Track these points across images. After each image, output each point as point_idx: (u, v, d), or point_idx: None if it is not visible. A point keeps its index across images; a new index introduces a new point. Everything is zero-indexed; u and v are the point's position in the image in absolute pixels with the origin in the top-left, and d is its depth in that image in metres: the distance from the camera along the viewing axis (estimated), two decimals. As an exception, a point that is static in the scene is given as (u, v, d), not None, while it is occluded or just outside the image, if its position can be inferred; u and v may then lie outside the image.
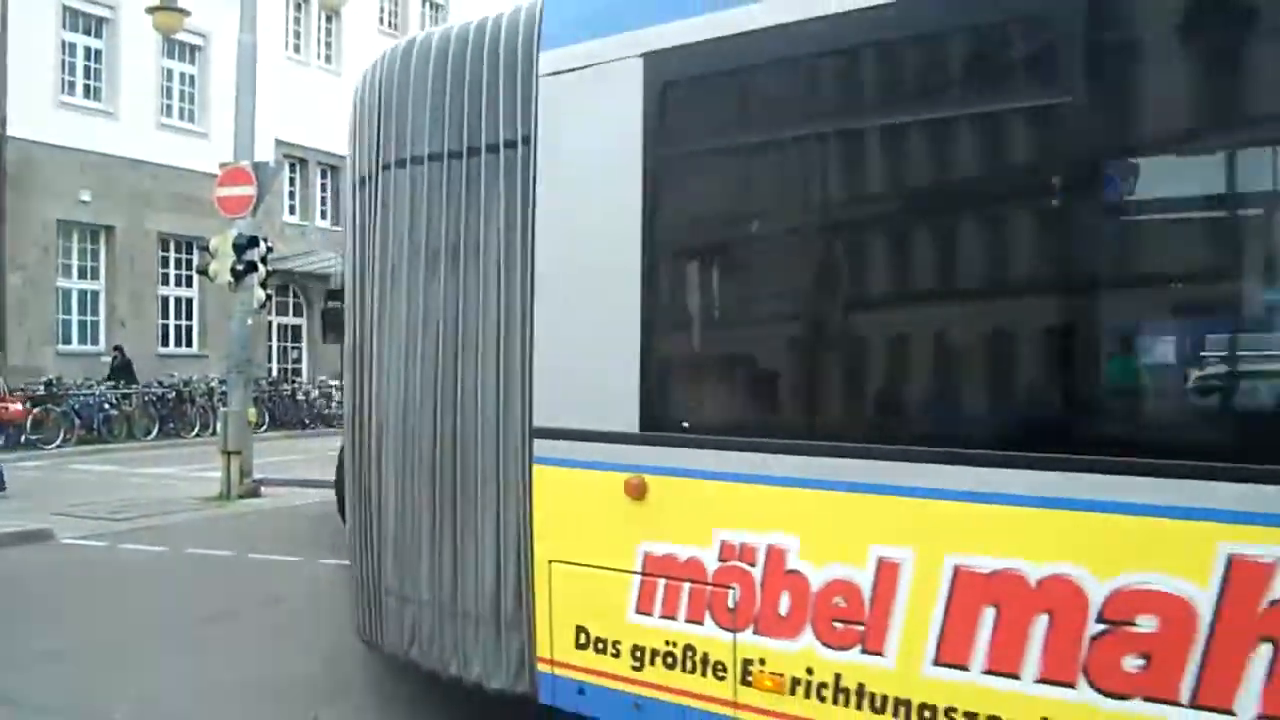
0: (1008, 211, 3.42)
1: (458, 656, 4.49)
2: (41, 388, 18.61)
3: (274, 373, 24.89)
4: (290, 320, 26.21)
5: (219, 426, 13.42)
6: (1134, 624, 2.93)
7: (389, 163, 4.74)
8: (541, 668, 4.19)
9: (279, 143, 23.23)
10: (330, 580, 7.68)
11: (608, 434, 3.94)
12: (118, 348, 21.04)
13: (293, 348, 26.44)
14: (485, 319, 4.35)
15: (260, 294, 12.82)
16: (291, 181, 25.83)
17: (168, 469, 15.43)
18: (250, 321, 13.20)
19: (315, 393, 23.81)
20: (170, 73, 23.31)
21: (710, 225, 3.96)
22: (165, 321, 23.36)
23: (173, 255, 23.35)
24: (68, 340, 21.40)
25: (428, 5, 30.16)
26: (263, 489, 12.90)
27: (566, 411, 4.07)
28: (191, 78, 23.69)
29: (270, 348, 25.40)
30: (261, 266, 12.65)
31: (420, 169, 4.59)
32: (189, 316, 23.82)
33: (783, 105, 3.72)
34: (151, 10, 15.76)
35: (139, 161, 21.93)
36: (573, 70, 4.07)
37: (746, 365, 3.94)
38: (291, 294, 25.85)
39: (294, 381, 24.73)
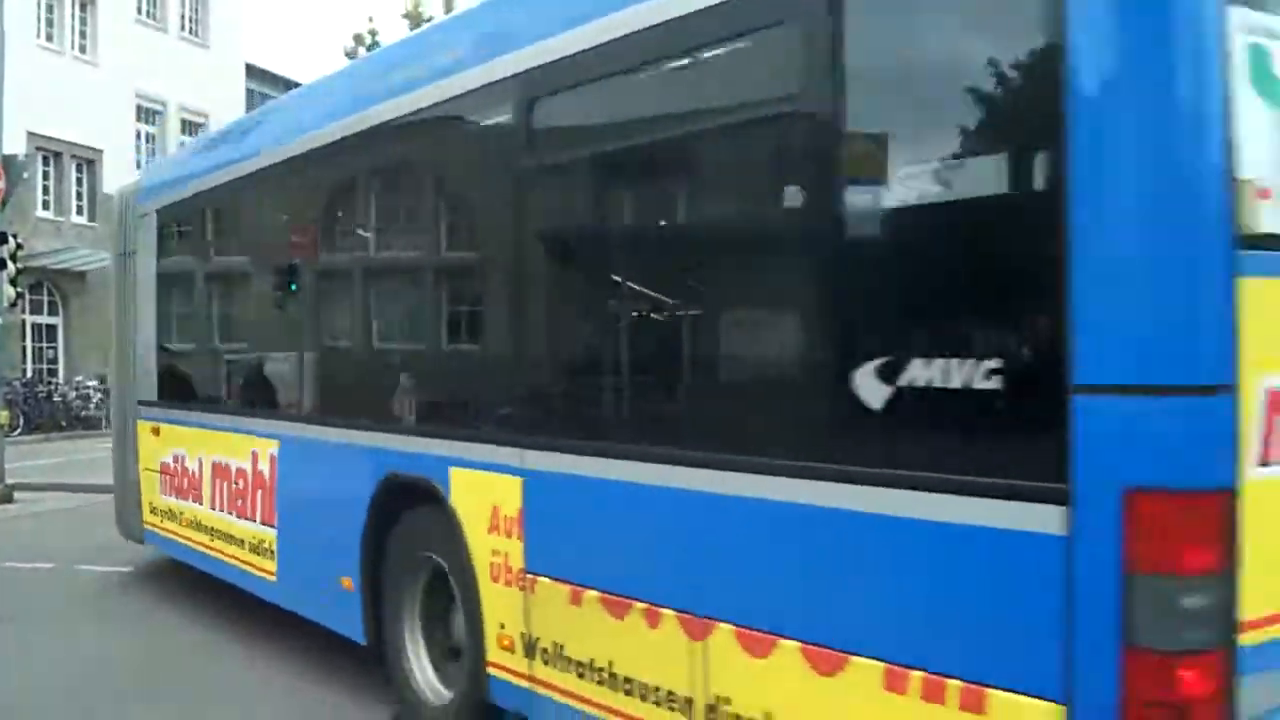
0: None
1: (128, 529, 8.41)
2: None
3: (29, 373, 23.93)
4: (45, 319, 25.44)
5: (-33, 430, 12.94)
6: (236, 481, 6.40)
7: (114, 254, 8.77)
8: (145, 527, 8.02)
9: (31, 135, 22.75)
10: (88, 588, 7.81)
11: (149, 403, 7.77)
12: None
13: (48, 347, 25.57)
14: (132, 343, 8.25)
15: (10, 292, 12.66)
16: (45, 175, 25.07)
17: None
18: (1, 321, 13.00)
19: (73, 394, 23.18)
20: (-86, 61, 23.00)
21: (173, 300, 7.68)
22: (-88, 323, 22.86)
23: (-82, 253, 22.95)
24: None
25: (188, -8, 29.83)
26: (16, 494, 12.65)
27: (141, 393, 7.91)
28: (-63, 67, 23.40)
29: (25, 348, 24.36)
30: (11, 264, 12.56)
31: (118, 259, 8.58)
32: (-63, 317, 23.43)
33: (177, 240, 7.43)
34: (-111, -6, 13.88)
35: (-119, 154, 21.38)
36: (141, 215, 7.90)
37: (180, 373, 7.67)
38: (46, 292, 25.09)
39: (50, 382, 23.94)
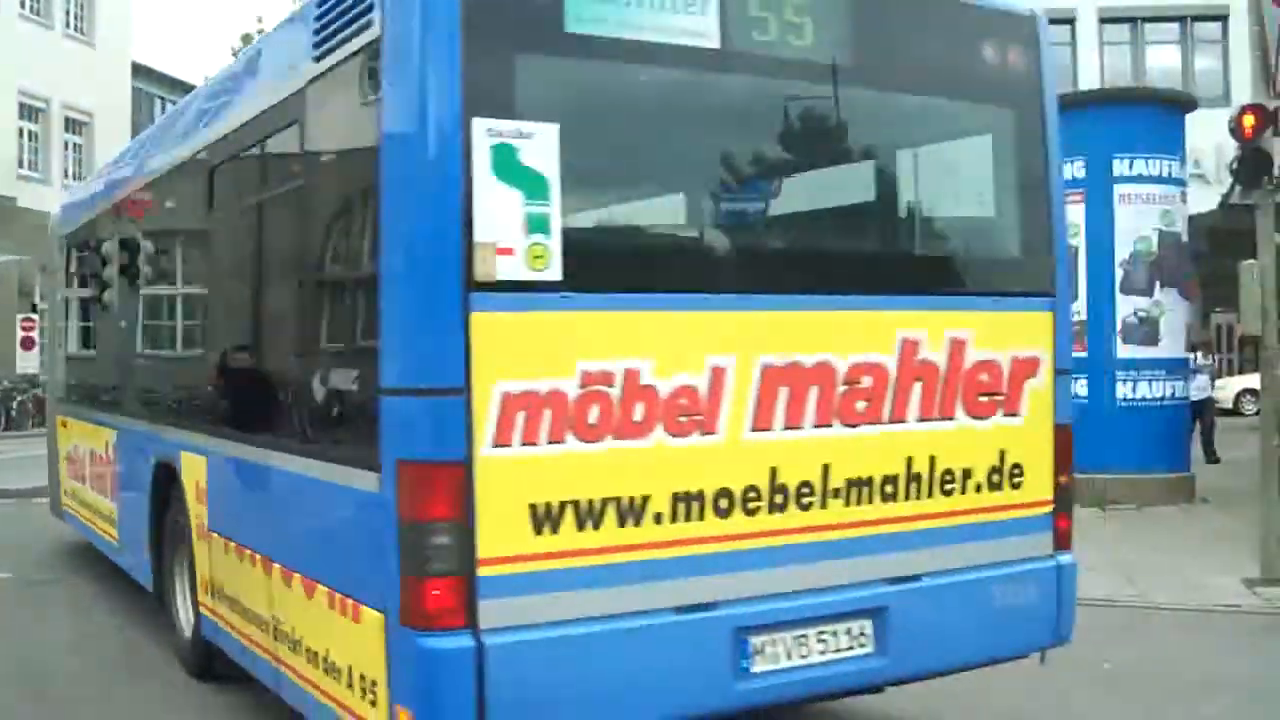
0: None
1: (54, 506, 9.82)
2: None
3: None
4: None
5: None
6: (99, 465, 7.67)
7: (47, 272, 10.23)
8: (62, 507, 9.41)
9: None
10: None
11: (61, 400, 9.16)
12: None
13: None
14: (57, 347, 9.66)
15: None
16: (-64, 178, 24.25)
17: None
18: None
19: None
20: None
21: (70, 312, 9.02)
22: None
23: None
24: None
25: (73, -10, 28.69)
26: None
27: (58, 391, 9.31)
28: None
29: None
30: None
31: (46, 276, 10.02)
32: None
33: (73, 263, 8.80)
34: None
35: None
36: (57, 240, 9.29)
37: (75, 375, 8.99)
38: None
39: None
